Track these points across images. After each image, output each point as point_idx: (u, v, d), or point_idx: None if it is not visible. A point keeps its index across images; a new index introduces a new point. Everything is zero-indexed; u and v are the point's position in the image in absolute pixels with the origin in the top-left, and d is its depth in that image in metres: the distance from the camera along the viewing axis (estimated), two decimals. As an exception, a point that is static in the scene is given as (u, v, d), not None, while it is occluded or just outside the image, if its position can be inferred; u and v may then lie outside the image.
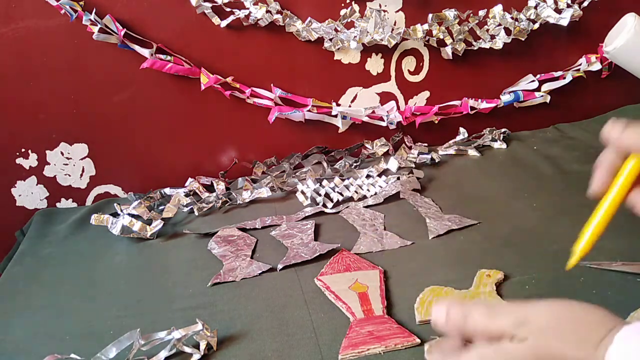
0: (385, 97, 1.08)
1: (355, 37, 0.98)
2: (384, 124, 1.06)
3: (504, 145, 1.07)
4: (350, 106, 1.07)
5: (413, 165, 1.00)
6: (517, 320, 0.34)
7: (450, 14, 1.01)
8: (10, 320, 0.65)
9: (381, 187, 0.93)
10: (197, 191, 0.94)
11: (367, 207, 0.87)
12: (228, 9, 0.94)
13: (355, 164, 1.02)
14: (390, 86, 1.08)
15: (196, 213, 0.90)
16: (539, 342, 0.32)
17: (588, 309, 0.34)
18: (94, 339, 0.60)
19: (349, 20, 0.98)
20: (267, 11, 0.94)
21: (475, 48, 1.06)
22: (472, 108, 1.09)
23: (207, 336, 0.56)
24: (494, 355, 0.34)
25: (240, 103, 1.00)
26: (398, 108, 1.09)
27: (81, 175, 0.99)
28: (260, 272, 0.71)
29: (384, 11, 0.99)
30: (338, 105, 1.05)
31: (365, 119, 1.05)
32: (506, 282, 0.64)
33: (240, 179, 1.00)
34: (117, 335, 0.57)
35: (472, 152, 1.05)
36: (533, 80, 1.11)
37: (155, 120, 0.99)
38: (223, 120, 1.02)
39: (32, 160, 0.96)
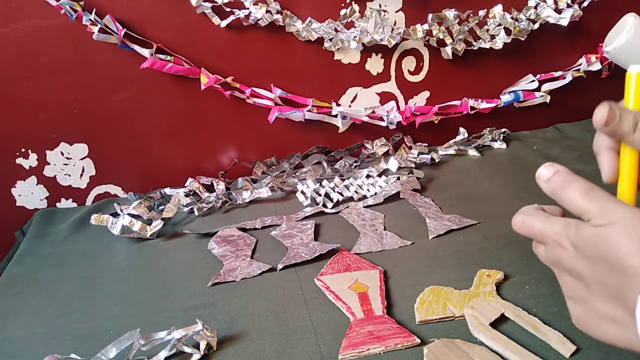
0: (385, 97, 1.08)
1: (355, 37, 0.98)
2: (384, 124, 1.06)
3: (504, 145, 1.07)
4: (350, 106, 1.07)
5: (413, 165, 1.00)
6: (605, 207, 0.35)
7: (450, 14, 1.01)
8: (10, 320, 0.65)
9: (381, 187, 0.93)
10: (197, 191, 0.94)
11: (367, 207, 0.87)
12: (228, 9, 0.94)
13: (355, 164, 1.02)
14: (390, 86, 1.08)
15: (196, 213, 0.90)
16: (609, 234, 0.34)
17: None
18: (94, 339, 0.60)
19: (349, 20, 0.98)
20: (267, 11, 0.94)
21: (475, 48, 1.06)
22: (472, 108, 1.09)
23: (207, 336, 0.56)
24: (575, 228, 0.36)
25: (240, 103, 1.00)
26: (398, 108, 1.09)
27: (81, 175, 0.99)
28: (260, 272, 0.71)
29: (384, 11, 0.99)
30: (338, 105, 1.05)
31: (365, 119, 1.05)
32: (506, 282, 0.64)
33: (240, 179, 1.00)
34: (117, 335, 0.57)
35: (472, 152, 1.05)
36: (533, 80, 1.11)
37: (155, 120, 0.99)
38: (223, 120, 1.02)
39: (32, 160, 0.96)
